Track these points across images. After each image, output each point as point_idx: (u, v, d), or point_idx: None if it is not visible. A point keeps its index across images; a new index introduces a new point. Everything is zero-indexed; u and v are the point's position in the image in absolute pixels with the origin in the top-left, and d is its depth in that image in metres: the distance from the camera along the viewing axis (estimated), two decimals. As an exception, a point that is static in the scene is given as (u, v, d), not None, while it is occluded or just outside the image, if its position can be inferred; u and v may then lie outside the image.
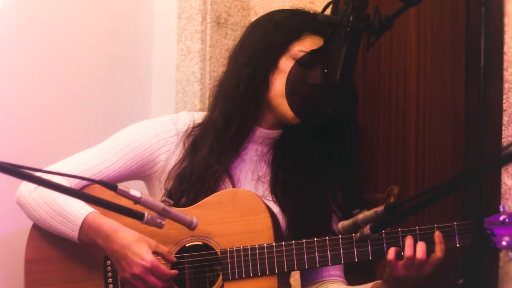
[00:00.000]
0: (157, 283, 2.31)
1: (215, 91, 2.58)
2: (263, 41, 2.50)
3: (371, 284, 2.40)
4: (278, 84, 2.46)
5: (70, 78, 3.09)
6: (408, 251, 2.23)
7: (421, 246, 2.23)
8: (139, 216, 2.03)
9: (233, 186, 2.48)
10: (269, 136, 2.54)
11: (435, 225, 2.27)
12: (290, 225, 2.46)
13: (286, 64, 2.46)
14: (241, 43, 2.57)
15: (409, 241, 2.25)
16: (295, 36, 2.48)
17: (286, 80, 2.44)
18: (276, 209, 2.47)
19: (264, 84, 2.47)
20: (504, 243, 2.16)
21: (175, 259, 2.36)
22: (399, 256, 2.25)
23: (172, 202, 2.16)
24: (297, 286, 2.75)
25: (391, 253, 2.24)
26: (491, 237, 2.16)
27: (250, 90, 2.48)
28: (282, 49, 2.47)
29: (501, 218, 2.18)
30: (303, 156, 2.52)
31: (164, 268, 2.33)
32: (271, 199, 2.49)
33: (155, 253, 2.34)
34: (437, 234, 2.25)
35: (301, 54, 2.45)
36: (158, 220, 2.10)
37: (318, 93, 2.37)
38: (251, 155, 2.54)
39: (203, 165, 2.47)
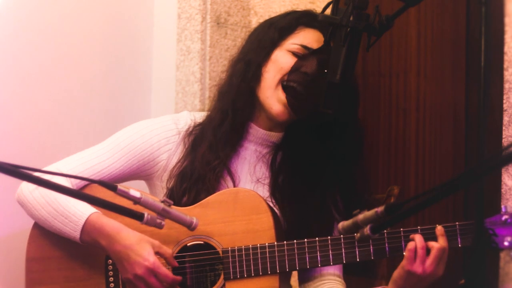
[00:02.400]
0: (159, 286, 2.31)
1: (214, 94, 2.60)
2: (256, 38, 2.54)
3: None
4: (269, 75, 2.47)
5: (70, 78, 3.09)
6: (420, 244, 2.24)
7: (435, 243, 2.25)
8: (138, 217, 2.03)
9: (233, 182, 2.48)
10: (269, 138, 2.54)
11: (437, 225, 2.26)
12: (289, 229, 2.46)
13: (278, 55, 2.48)
14: (239, 47, 2.61)
15: (419, 236, 2.25)
16: (289, 31, 2.50)
17: (273, 68, 2.46)
18: (276, 212, 2.47)
19: (256, 76, 2.49)
20: (506, 243, 2.16)
21: (176, 264, 2.36)
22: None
23: (172, 202, 2.15)
24: (297, 287, 2.74)
25: (412, 244, 2.24)
26: (493, 237, 2.16)
27: (243, 83, 2.50)
28: (275, 44, 2.50)
29: (503, 218, 2.18)
30: (303, 161, 2.52)
31: (167, 270, 2.32)
32: (270, 202, 2.49)
33: (158, 254, 2.33)
34: (439, 228, 2.25)
35: (294, 46, 2.47)
36: (158, 221, 2.09)
37: (309, 84, 2.38)
38: (250, 155, 2.54)
39: (203, 162, 2.48)
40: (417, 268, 2.25)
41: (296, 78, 2.44)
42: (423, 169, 3.08)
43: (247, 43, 2.58)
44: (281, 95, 2.45)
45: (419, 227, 2.27)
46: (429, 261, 2.25)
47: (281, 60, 2.47)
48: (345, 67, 2.19)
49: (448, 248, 2.26)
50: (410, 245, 2.26)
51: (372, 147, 3.12)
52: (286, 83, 2.45)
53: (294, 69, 2.45)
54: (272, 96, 2.46)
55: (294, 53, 2.47)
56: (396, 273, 2.30)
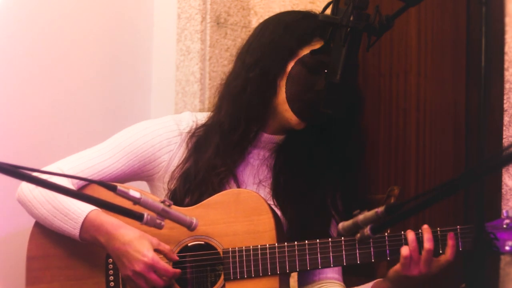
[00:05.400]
0: (158, 281, 2.31)
1: (220, 91, 2.55)
2: (271, 43, 2.47)
3: (371, 283, 2.40)
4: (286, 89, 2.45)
5: (70, 78, 3.08)
6: (428, 244, 2.23)
7: (427, 236, 2.23)
8: (138, 217, 2.02)
9: (238, 188, 2.47)
10: (272, 140, 2.53)
11: (438, 228, 2.26)
12: (291, 229, 2.45)
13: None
14: (249, 44, 2.54)
15: (427, 234, 2.24)
16: (305, 41, 2.45)
17: (289, 85, 2.43)
18: (277, 213, 2.46)
19: (272, 89, 2.45)
20: (507, 247, 2.16)
21: (177, 258, 2.36)
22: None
23: (172, 202, 2.15)
24: (296, 287, 2.74)
25: (406, 250, 2.24)
26: (495, 241, 2.16)
27: (258, 94, 2.46)
28: (291, 54, 2.45)
29: (504, 223, 2.18)
30: (305, 161, 2.52)
31: (166, 265, 2.32)
32: (272, 203, 2.48)
33: (157, 251, 2.33)
34: (451, 236, 2.24)
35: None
36: (158, 221, 2.09)
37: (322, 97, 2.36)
38: (254, 159, 2.54)
39: (209, 166, 2.47)
40: (413, 271, 2.25)
41: (310, 97, 2.42)
42: (423, 169, 3.08)
43: (258, 44, 2.50)
44: (299, 108, 2.43)
45: (420, 230, 2.27)
46: (434, 264, 2.25)
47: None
48: (345, 67, 2.19)
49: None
50: (404, 251, 2.25)
51: (372, 147, 3.12)
52: (300, 102, 2.42)
53: (308, 88, 2.42)
54: (290, 110, 2.44)
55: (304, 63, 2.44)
56: (392, 274, 2.30)
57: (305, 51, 2.44)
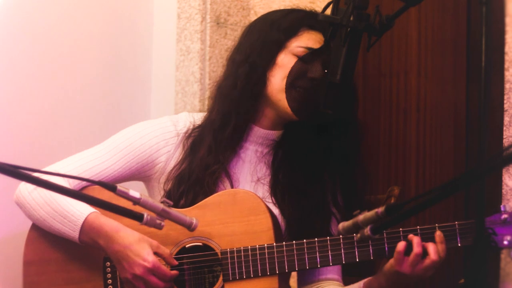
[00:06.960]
0: (159, 284, 2.31)
1: (213, 93, 2.57)
2: (259, 39, 2.51)
3: (362, 281, 2.39)
4: (276, 80, 2.46)
5: (70, 78, 3.08)
6: (417, 249, 2.23)
7: (433, 248, 2.23)
8: (138, 217, 2.02)
9: (232, 186, 2.48)
10: (269, 137, 2.53)
11: (436, 224, 2.26)
12: (289, 227, 2.45)
13: (284, 59, 2.46)
14: (238, 44, 2.58)
15: (417, 239, 2.24)
16: (292, 32, 2.48)
17: (288, 73, 2.44)
18: (275, 211, 2.46)
19: (262, 81, 2.47)
20: (505, 242, 2.16)
21: (176, 262, 2.36)
22: (406, 252, 2.24)
23: (171, 202, 2.15)
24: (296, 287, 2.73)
25: (401, 246, 2.24)
26: (493, 236, 2.16)
27: (248, 87, 2.47)
28: (279, 46, 2.48)
29: (502, 217, 2.18)
30: (303, 157, 2.52)
31: (165, 268, 2.32)
32: (270, 201, 2.48)
33: (156, 254, 2.33)
34: (438, 234, 2.25)
35: (299, 49, 2.45)
36: (158, 221, 2.09)
37: (317, 87, 2.37)
38: (251, 156, 2.53)
39: (202, 165, 2.47)
40: (406, 269, 2.24)
41: (304, 84, 2.43)
42: (424, 169, 3.08)
43: (247, 43, 2.54)
44: (292, 95, 2.44)
45: (418, 227, 2.27)
46: (421, 266, 2.24)
47: (289, 65, 2.45)
48: (346, 67, 2.19)
49: (445, 255, 2.26)
50: (399, 246, 2.24)
51: (373, 147, 3.12)
52: (293, 89, 2.44)
53: (300, 75, 2.43)
54: (284, 99, 2.45)
55: (299, 57, 2.46)
56: (387, 267, 2.30)
57: (293, 42, 2.47)
